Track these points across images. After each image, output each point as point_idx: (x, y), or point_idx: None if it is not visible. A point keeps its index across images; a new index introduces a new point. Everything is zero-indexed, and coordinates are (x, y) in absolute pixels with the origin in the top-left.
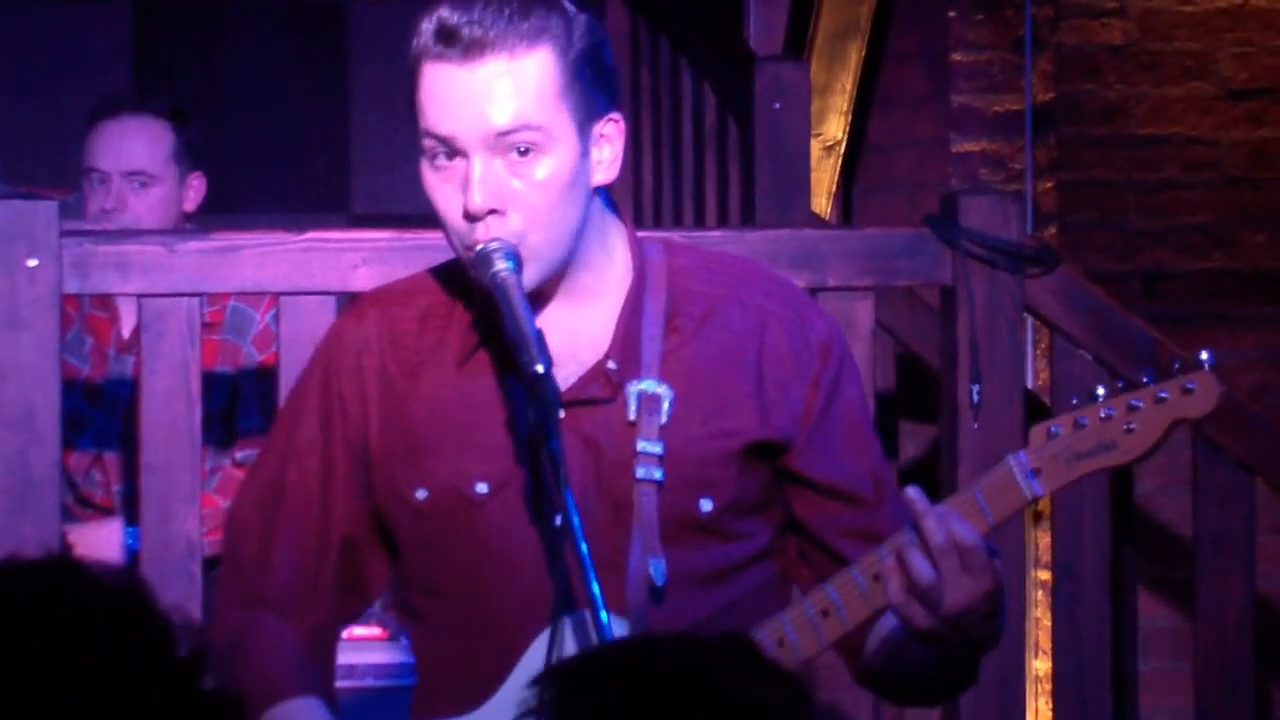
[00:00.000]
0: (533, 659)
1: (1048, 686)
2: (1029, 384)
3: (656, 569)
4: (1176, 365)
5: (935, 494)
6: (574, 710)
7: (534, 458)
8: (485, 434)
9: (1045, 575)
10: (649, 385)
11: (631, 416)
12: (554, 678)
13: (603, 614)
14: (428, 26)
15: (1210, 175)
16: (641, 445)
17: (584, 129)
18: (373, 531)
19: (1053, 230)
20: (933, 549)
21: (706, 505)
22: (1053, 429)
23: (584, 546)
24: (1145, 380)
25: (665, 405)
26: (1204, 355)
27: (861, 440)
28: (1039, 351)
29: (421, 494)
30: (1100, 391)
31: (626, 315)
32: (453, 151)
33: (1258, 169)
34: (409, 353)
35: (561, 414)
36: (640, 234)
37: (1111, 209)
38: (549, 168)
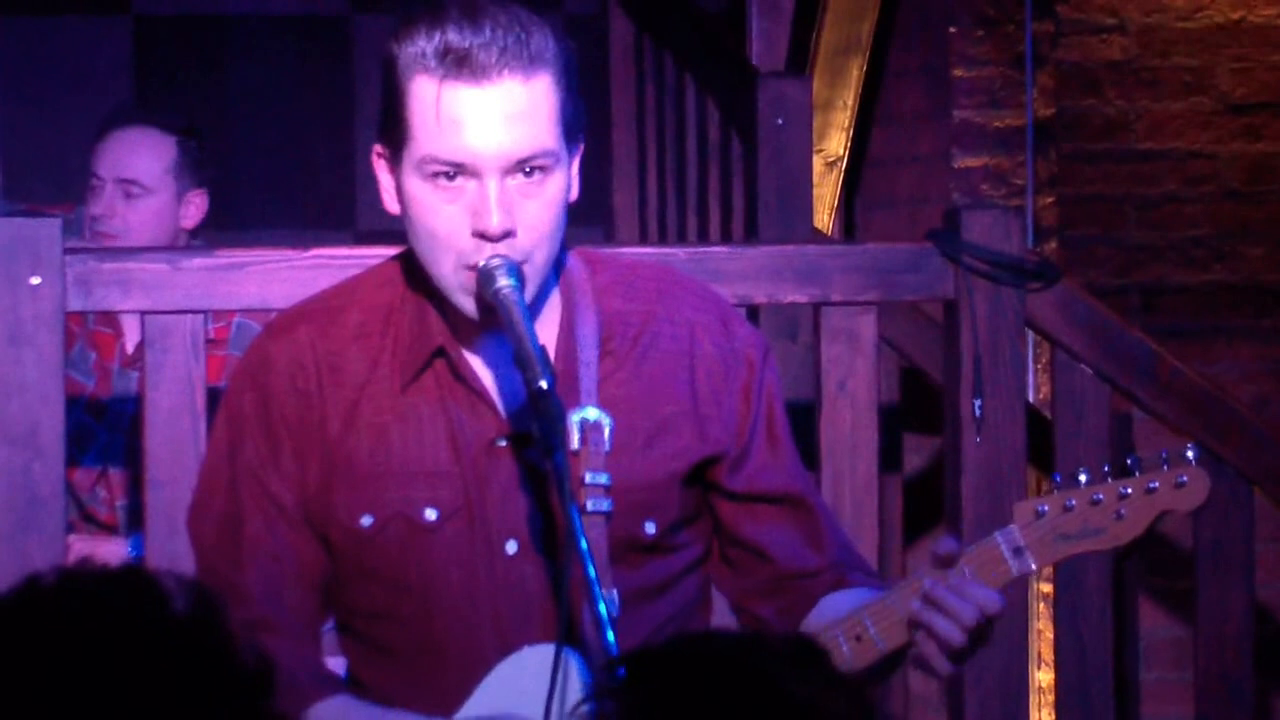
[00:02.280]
0: (493, 683)
1: (1051, 697)
2: (1030, 398)
3: (609, 599)
4: (1164, 456)
5: (938, 505)
6: (642, 698)
7: (482, 482)
8: (431, 459)
9: (1047, 587)
10: (590, 413)
11: (575, 446)
12: (625, 665)
13: (610, 635)
14: (428, 45)
15: (1209, 189)
16: (589, 478)
17: (569, 150)
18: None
19: (1053, 245)
20: (965, 623)
21: (650, 528)
22: (1040, 508)
23: (592, 569)
24: (1131, 466)
25: (606, 433)
26: (1190, 451)
27: (786, 445)
28: (1040, 365)
29: (367, 520)
30: (1083, 476)
31: (563, 342)
32: (459, 172)
33: (1256, 183)
34: (347, 375)
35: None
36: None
37: (1112, 223)
38: (553, 189)
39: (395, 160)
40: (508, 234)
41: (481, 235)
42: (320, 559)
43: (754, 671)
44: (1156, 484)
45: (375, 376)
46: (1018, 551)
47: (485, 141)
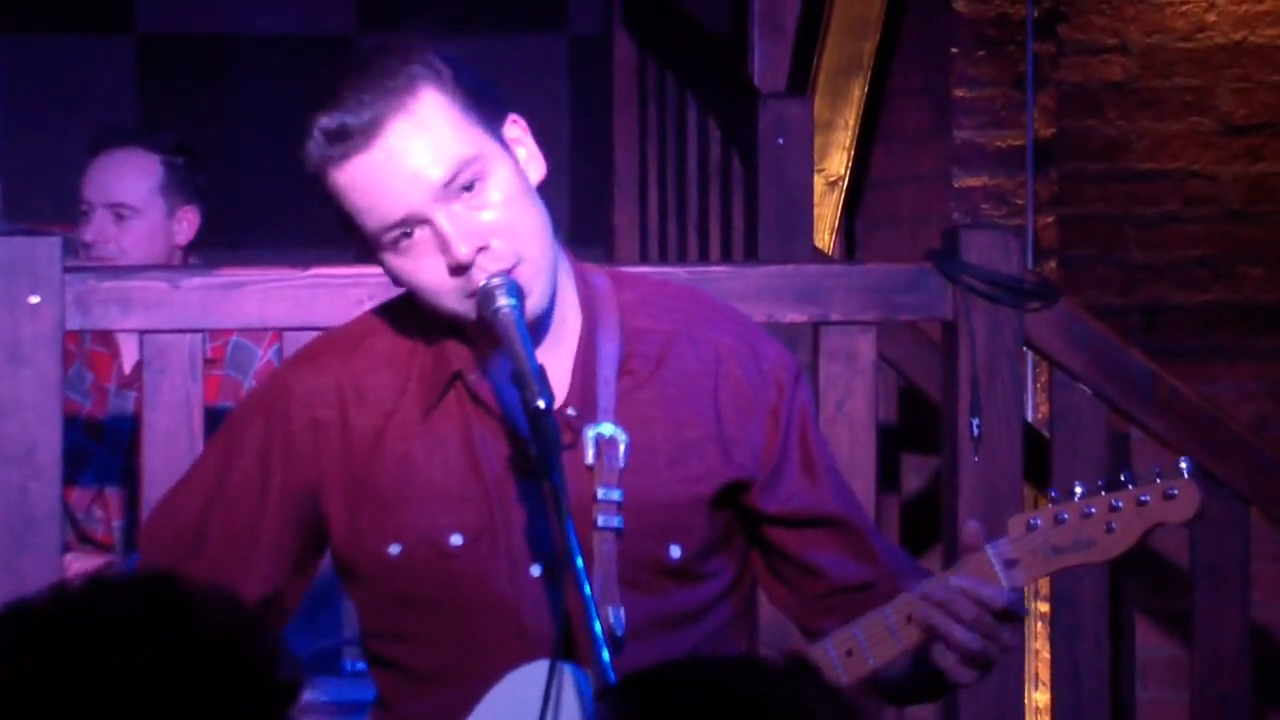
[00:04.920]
0: (491, 703)
1: (1047, 717)
2: (1029, 417)
3: (616, 618)
4: (1157, 470)
5: (936, 524)
6: None
7: (506, 505)
8: (456, 484)
9: (1044, 606)
10: (605, 429)
11: (589, 461)
12: (617, 692)
13: (605, 653)
14: (314, 141)
15: (1209, 210)
16: (601, 493)
17: (498, 137)
18: (294, 572)
19: (1053, 264)
20: (972, 623)
21: (676, 551)
22: (1032, 521)
23: (587, 587)
24: (1124, 480)
25: (622, 450)
26: (1183, 463)
27: (824, 463)
28: (1039, 385)
29: (395, 549)
30: (1078, 489)
31: (582, 358)
32: (411, 228)
33: (1256, 203)
34: (372, 404)
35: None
36: (585, 265)
37: (1111, 243)
38: (501, 185)
39: (364, 249)
40: (482, 250)
41: (458, 269)
42: (283, 586)
43: (742, 690)
44: (1148, 497)
45: (401, 404)
46: (1009, 564)
47: (405, 189)
